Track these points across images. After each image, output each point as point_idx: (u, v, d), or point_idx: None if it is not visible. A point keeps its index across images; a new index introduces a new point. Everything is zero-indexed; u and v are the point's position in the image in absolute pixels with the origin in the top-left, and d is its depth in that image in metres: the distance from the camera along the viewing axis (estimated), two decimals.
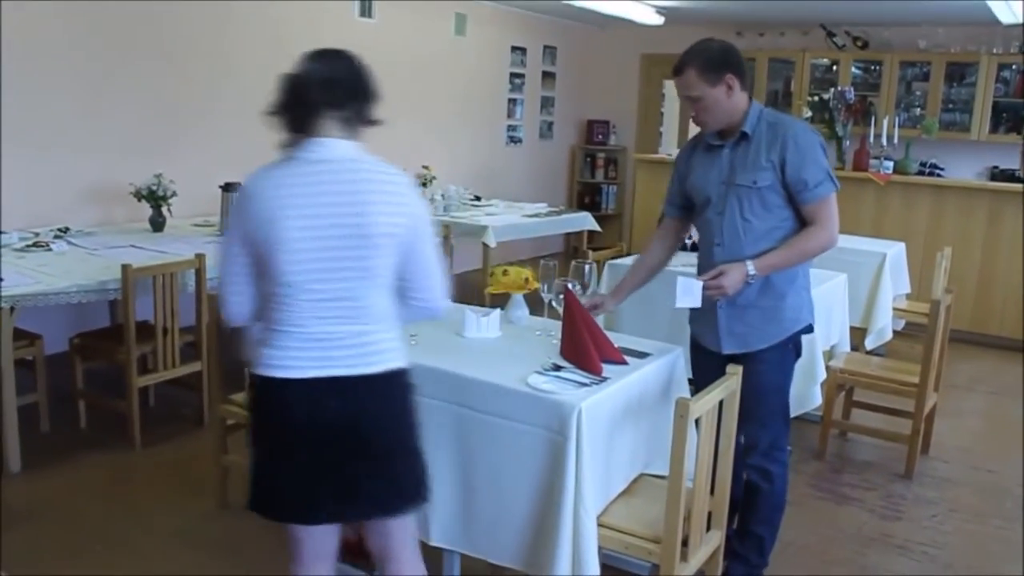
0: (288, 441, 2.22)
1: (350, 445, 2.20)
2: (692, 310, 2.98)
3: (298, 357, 2.17)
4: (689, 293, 2.80)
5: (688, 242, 4.69)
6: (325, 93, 2.19)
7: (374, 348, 2.21)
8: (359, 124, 2.25)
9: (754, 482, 3.06)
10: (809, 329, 3.05)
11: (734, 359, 2.92)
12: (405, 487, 2.32)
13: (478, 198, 7.78)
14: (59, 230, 5.09)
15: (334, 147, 2.19)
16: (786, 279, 2.93)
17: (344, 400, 2.18)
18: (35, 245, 4.66)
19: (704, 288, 2.80)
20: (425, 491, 2.38)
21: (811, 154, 2.80)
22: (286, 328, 2.18)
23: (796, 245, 2.85)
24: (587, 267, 3.08)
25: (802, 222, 2.87)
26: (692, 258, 4.71)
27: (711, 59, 2.81)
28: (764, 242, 2.86)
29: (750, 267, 2.80)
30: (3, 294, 3.73)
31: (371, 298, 2.20)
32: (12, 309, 3.79)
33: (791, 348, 3.02)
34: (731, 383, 2.68)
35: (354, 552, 3.27)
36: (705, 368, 3.03)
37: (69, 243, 4.84)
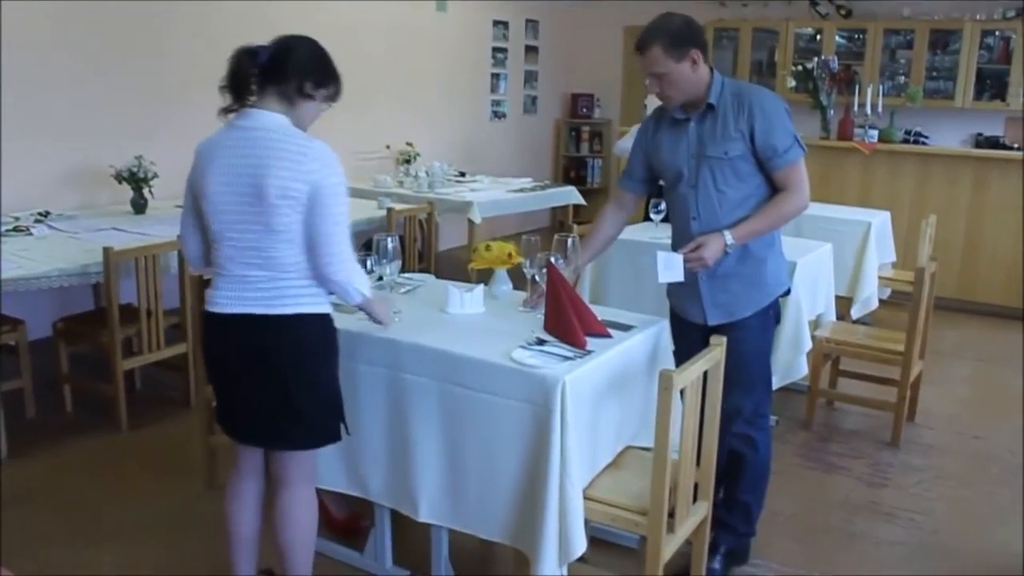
0: (216, 368, 2.63)
1: (259, 377, 2.50)
2: (671, 284, 2.98)
3: (222, 296, 2.50)
4: (671, 267, 2.81)
5: (657, 217, 4.70)
6: (265, 70, 2.48)
7: (283, 293, 2.46)
8: (298, 98, 2.50)
9: (738, 450, 3.08)
10: (787, 292, 3.11)
11: (718, 329, 2.92)
12: (308, 424, 2.57)
13: (463, 174, 7.75)
14: (40, 214, 5.05)
15: (260, 118, 2.47)
16: (765, 244, 2.96)
17: (253, 335, 2.48)
18: (15, 230, 4.62)
19: (685, 261, 2.80)
20: (328, 433, 2.62)
21: (778, 120, 2.82)
22: (217, 271, 2.53)
23: (771, 211, 2.87)
24: (570, 240, 3.06)
25: (774, 188, 2.89)
26: (661, 231, 4.74)
27: (675, 35, 2.80)
28: (739, 211, 2.88)
29: (728, 236, 2.81)
30: None
31: (278, 250, 2.44)
32: None
33: (771, 313, 3.06)
34: (715, 354, 2.68)
35: (341, 530, 3.29)
36: (689, 340, 3.03)
37: (50, 227, 4.80)
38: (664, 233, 4.75)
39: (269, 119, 2.46)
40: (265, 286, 2.46)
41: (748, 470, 3.11)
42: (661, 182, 3.14)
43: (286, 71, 2.48)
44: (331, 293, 2.55)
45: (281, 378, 2.49)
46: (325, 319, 2.57)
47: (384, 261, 2.93)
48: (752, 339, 3.00)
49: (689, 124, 2.92)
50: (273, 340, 2.48)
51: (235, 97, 2.49)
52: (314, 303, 2.51)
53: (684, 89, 2.85)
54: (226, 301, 2.49)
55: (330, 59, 2.57)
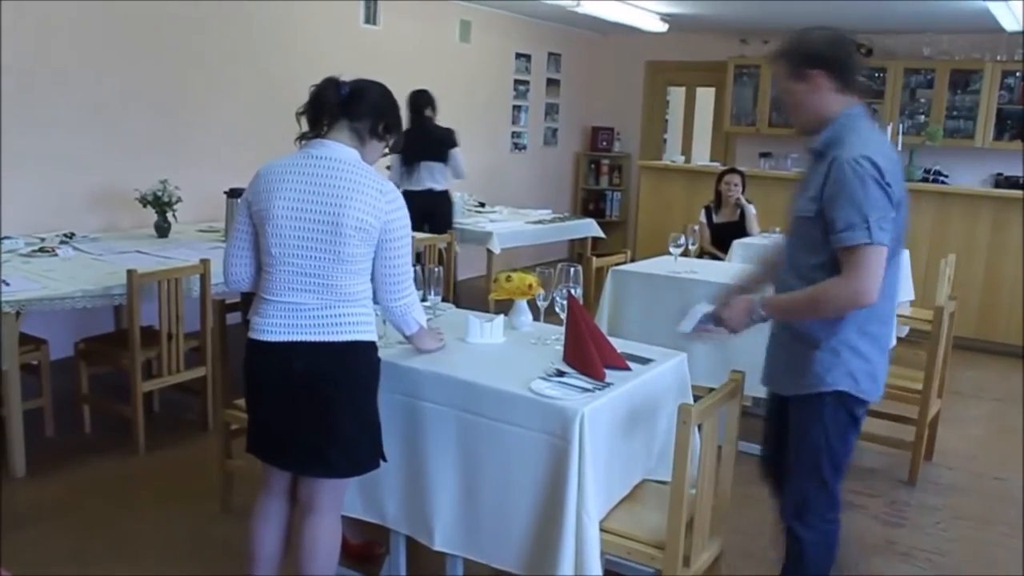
0: (260, 394, 2.62)
1: (307, 404, 2.52)
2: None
3: (273, 324, 2.52)
4: (692, 319, 2.65)
5: (676, 251, 4.70)
6: (343, 103, 2.54)
7: (338, 320, 2.51)
8: (369, 137, 2.59)
9: (786, 542, 2.73)
10: (857, 402, 2.57)
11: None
12: (350, 452, 2.60)
13: (482, 204, 7.80)
14: (65, 235, 5.11)
15: (335, 149, 2.53)
16: (822, 329, 2.51)
17: (307, 362, 2.50)
18: (41, 250, 4.68)
19: (711, 318, 2.60)
20: (367, 462, 2.65)
21: (847, 191, 2.33)
22: (266, 296, 2.54)
23: (811, 292, 2.44)
24: (572, 269, 3.09)
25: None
26: (680, 266, 4.76)
27: (801, 50, 2.49)
28: (806, 281, 2.48)
29: (757, 305, 2.54)
30: (9, 299, 3.75)
31: (340, 278, 2.49)
32: (18, 314, 3.80)
33: (826, 412, 2.56)
34: (732, 388, 2.68)
35: (356, 556, 3.29)
36: (772, 408, 2.83)
37: (75, 248, 4.85)
38: (682, 268, 4.79)
39: (345, 152, 2.53)
40: (320, 313, 2.50)
41: (791, 570, 2.73)
42: None
43: (363, 109, 2.56)
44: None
45: (330, 405, 2.53)
46: (374, 347, 2.62)
47: (431, 290, 3.16)
48: (801, 424, 2.62)
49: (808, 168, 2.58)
50: (326, 367, 2.52)
51: (312, 124, 2.57)
52: (367, 331, 2.57)
53: (802, 115, 2.53)
54: (277, 329, 2.51)
55: (399, 110, 2.69)
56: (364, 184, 2.48)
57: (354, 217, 2.44)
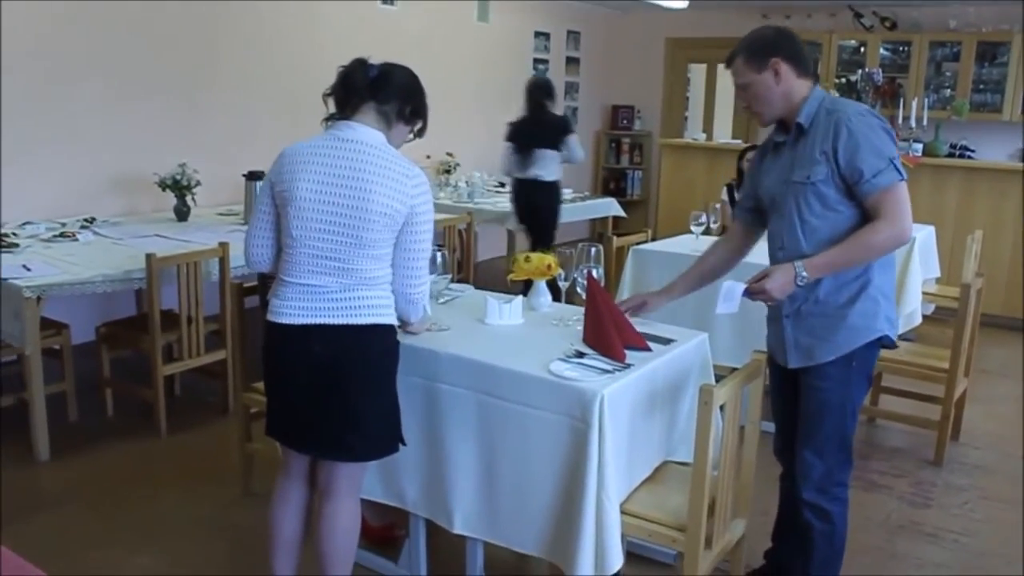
0: (279, 377, 2.60)
1: (326, 387, 2.50)
2: (767, 324, 2.80)
3: (291, 306, 2.50)
4: (730, 298, 2.59)
5: (698, 229, 4.66)
6: (371, 86, 2.51)
7: (358, 303, 2.48)
8: (396, 120, 2.57)
9: (808, 521, 2.72)
10: (888, 342, 2.69)
11: (801, 373, 2.71)
12: (369, 435, 2.57)
13: (502, 184, 7.75)
14: (85, 220, 5.13)
15: (362, 132, 2.49)
16: (855, 281, 2.60)
17: (325, 345, 2.49)
18: (62, 235, 4.69)
19: (749, 293, 2.60)
20: (386, 446, 2.63)
21: (866, 140, 2.48)
22: (286, 278, 2.51)
23: (854, 241, 2.51)
24: (592, 249, 3.06)
25: (869, 219, 2.53)
26: (701, 244, 4.70)
27: (757, 44, 2.64)
28: (827, 244, 2.56)
29: (799, 267, 2.52)
30: (30, 284, 3.76)
31: (360, 262, 2.46)
32: (39, 299, 3.81)
33: (855, 364, 2.64)
34: (754, 368, 2.64)
35: (376, 539, 3.28)
36: (777, 383, 2.87)
37: (95, 233, 4.87)
38: (704, 246, 4.73)
39: (371, 135, 2.50)
40: (339, 296, 2.47)
41: (818, 546, 2.72)
42: None
43: (391, 91, 2.54)
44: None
45: (348, 388, 2.51)
46: (393, 331, 2.60)
47: (435, 273, 3.05)
48: (828, 390, 2.65)
49: (785, 147, 2.70)
50: (345, 350, 2.50)
51: (340, 106, 2.54)
52: (387, 314, 2.55)
53: (770, 103, 2.65)
54: (296, 312, 2.49)
55: (425, 95, 2.65)
56: (390, 168, 2.45)
57: (380, 202, 2.41)
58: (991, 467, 4.36)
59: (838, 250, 2.53)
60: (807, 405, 2.67)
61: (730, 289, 2.59)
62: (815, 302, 2.64)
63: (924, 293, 5.54)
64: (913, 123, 7.38)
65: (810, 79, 2.66)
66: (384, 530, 3.31)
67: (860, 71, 8.12)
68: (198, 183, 5.39)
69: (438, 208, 6.39)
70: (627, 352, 2.69)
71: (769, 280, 2.54)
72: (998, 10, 8.16)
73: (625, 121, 10.55)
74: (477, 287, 3.65)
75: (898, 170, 2.49)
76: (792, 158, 2.65)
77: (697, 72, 10.54)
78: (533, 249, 5.47)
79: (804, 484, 2.71)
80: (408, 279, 2.56)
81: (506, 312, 3.02)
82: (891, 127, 2.59)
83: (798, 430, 2.70)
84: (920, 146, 7.50)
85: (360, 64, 2.53)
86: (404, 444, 2.66)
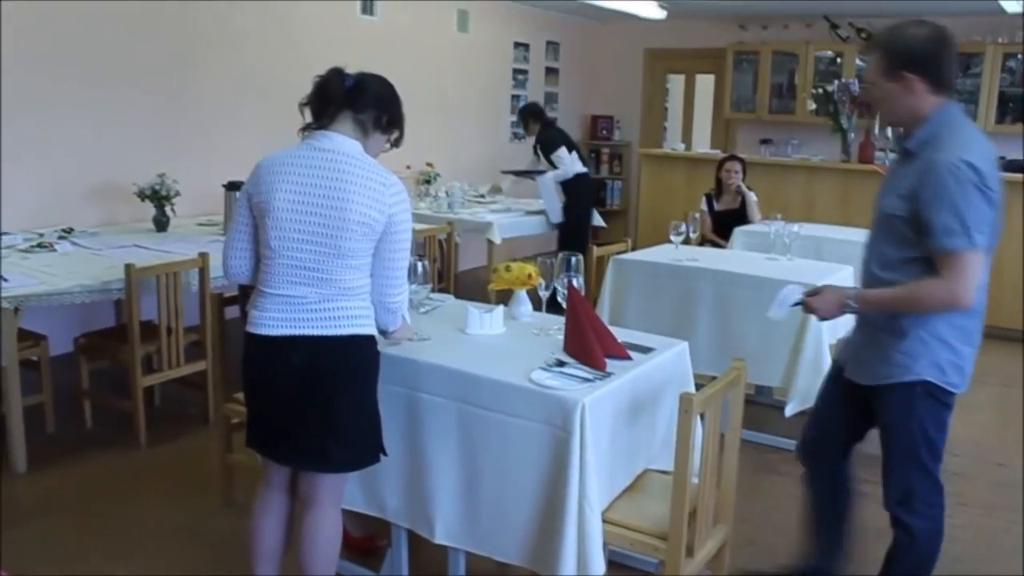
0: (259, 389, 2.59)
1: (307, 398, 2.49)
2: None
3: (271, 317, 2.49)
4: (782, 304, 2.66)
5: (677, 239, 4.70)
6: (348, 95, 2.51)
7: (339, 314, 2.48)
8: (373, 129, 2.57)
9: (894, 531, 2.75)
10: (943, 392, 2.60)
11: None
12: (350, 446, 2.57)
13: (482, 195, 7.76)
14: (63, 230, 5.09)
15: (339, 141, 2.49)
16: (910, 318, 2.52)
17: (305, 356, 2.48)
18: (39, 246, 4.66)
19: (801, 304, 2.66)
20: (367, 457, 2.63)
21: (946, 196, 2.33)
22: (265, 289, 2.51)
23: (909, 288, 2.45)
24: (573, 259, 3.08)
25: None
26: (681, 254, 4.74)
27: (899, 48, 2.46)
28: (897, 275, 2.49)
29: (851, 297, 2.57)
30: (8, 295, 3.73)
31: (339, 272, 2.46)
32: (17, 310, 3.78)
33: (923, 399, 2.58)
34: (734, 376, 2.66)
35: (358, 549, 3.28)
36: (830, 385, 2.89)
37: (73, 243, 4.84)
38: (684, 256, 4.77)
39: (347, 144, 2.50)
40: (319, 307, 2.47)
41: (901, 557, 2.75)
42: None
43: (367, 100, 2.54)
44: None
45: (329, 399, 2.50)
46: (373, 341, 2.60)
47: (415, 283, 3.05)
48: (888, 414, 2.65)
49: (899, 164, 2.59)
50: (324, 361, 2.49)
51: (316, 116, 2.54)
52: (367, 325, 2.55)
53: (892, 112, 2.53)
54: (276, 323, 2.48)
55: (401, 104, 2.65)
56: (368, 177, 2.45)
57: (358, 212, 2.41)
58: (969, 474, 4.40)
59: (891, 293, 2.50)
60: (879, 422, 2.69)
61: (786, 294, 2.67)
62: (874, 326, 2.63)
63: None
64: (889, 133, 7.45)
65: (944, 94, 2.48)
66: (366, 540, 3.31)
67: (837, 81, 8.19)
68: (177, 193, 5.36)
69: (418, 218, 6.39)
70: (608, 361, 2.71)
71: (819, 299, 2.60)
72: (971, 22, 8.26)
73: (604, 131, 10.59)
74: (457, 297, 3.65)
75: (970, 237, 2.34)
76: (893, 180, 2.55)
77: (676, 82, 10.61)
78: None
79: (887, 496, 2.75)
80: (387, 288, 2.56)
81: (487, 322, 3.03)
82: (992, 186, 2.37)
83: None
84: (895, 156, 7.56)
85: (336, 74, 2.53)
86: (385, 454, 2.66)
